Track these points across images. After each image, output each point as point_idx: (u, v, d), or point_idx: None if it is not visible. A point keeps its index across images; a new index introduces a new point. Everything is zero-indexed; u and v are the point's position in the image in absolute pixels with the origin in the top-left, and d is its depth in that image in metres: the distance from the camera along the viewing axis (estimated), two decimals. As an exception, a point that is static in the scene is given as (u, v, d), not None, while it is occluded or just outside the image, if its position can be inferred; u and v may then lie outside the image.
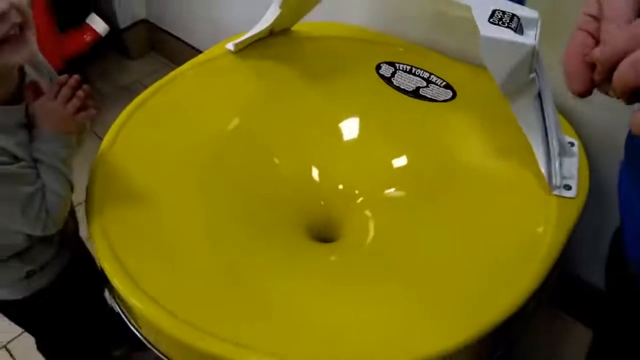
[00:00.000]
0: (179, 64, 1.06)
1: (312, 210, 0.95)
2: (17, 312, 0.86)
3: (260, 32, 1.04)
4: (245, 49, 1.06)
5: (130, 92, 1.78)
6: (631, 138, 0.55)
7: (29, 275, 0.78)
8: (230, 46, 1.05)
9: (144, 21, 1.93)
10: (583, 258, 1.08)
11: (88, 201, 0.79)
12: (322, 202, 0.96)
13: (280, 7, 0.95)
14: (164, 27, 1.88)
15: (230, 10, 1.56)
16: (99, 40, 1.60)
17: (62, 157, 0.69)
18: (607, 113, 0.93)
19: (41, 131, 0.68)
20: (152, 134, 0.92)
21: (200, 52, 1.72)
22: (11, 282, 0.78)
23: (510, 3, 0.77)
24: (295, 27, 1.11)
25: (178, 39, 1.85)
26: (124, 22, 1.87)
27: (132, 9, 1.89)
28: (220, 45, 1.08)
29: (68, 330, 0.92)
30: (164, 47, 1.92)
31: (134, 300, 0.69)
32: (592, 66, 0.37)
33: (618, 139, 0.91)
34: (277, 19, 1.01)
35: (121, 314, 0.77)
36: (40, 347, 1.02)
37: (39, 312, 0.85)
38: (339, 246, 0.90)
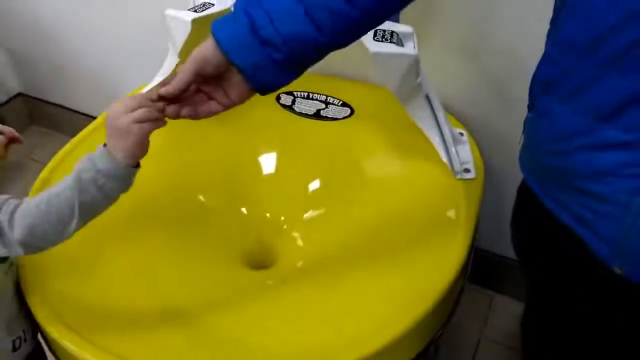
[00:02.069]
0: (64, 130, 1.05)
1: (244, 241, 0.98)
2: None
3: (158, 83, 1.07)
4: (147, 102, 1.08)
5: (22, 169, 1.71)
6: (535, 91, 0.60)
7: (15, 347, 0.75)
8: (131, 101, 1.07)
9: (20, 95, 1.86)
10: (488, 231, 1.21)
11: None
12: (252, 233, 1.00)
13: (179, 55, 0.99)
14: (43, 97, 1.82)
15: (114, 70, 1.56)
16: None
17: (115, 191, 0.66)
18: (484, 105, 1.08)
19: (110, 152, 0.65)
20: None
21: (85, 114, 1.71)
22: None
23: (388, 22, 0.89)
24: (191, 74, 1.15)
25: (59, 106, 1.80)
26: (-2, 99, 1.79)
27: (5, 84, 1.81)
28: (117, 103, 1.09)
29: None
30: (45, 117, 1.86)
31: (66, 342, 0.68)
32: None
33: (495, 122, 1.07)
34: (174, 69, 1.05)
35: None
36: None
37: None
38: (273, 271, 0.94)
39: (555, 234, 0.57)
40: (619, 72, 0.46)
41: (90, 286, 0.78)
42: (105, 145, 0.63)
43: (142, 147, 0.64)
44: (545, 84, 0.56)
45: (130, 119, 0.62)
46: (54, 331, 0.70)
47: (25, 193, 0.89)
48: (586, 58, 0.48)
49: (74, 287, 0.77)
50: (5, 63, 1.80)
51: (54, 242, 0.65)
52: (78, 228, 0.64)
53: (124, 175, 0.64)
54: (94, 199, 0.62)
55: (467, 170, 0.90)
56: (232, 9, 0.68)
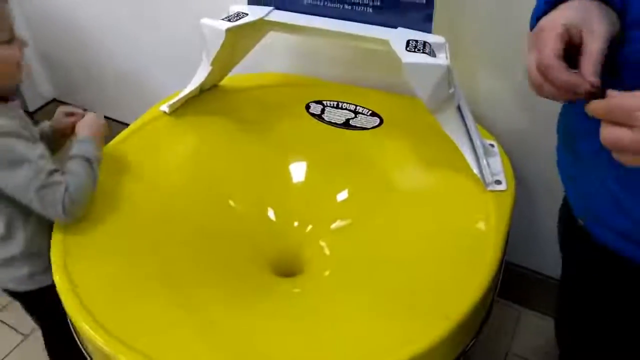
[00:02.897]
0: None
1: (272, 248, 0.99)
2: (24, 301, 1.01)
3: (192, 91, 1.09)
4: (179, 109, 1.10)
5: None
6: (564, 124, 0.67)
7: (31, 275, 0.92)
8: (164, 108, 1.09)
9: (54, 100, 1.90)
10: (517, 245, 1.19)
11: (54, 248, 0.82)
12: (280, 240, 1.00)
13: (212, 64, 1.01)
14: (76, 103, 1.86)
15: (147, 78, 1.59)
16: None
17: (96, 156, 0.88)
18: (515, 118, 1.07)
19: (82, 136, 0.90)
20: (108, 192, 0.93)
21: (117, 121, 1.74)
22: (16, 277, 0.93)
23: (420, 32, 0.89)
24: (222, 82, 1.17)
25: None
26: (33, 104, 1.84)
27: (39, 90, 1.86)
28: (153, 109, 1.11)
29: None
30: (79, 124, 1.90)
31: (98, 340, 0.69)
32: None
33: (526, 136, 1.06)
34: (207, 77, 1.07)
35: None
36: (47, 346, 1.13)
37: (44, 306, 0.94)
38: (300, 279, 0.94)
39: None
40: None
41: (119, 284, 0.79)
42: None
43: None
44: None
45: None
46: (84, 324, 0.72)
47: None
48: None
49: (104, 284, 0.79)
50: (41, 69, 1.85)
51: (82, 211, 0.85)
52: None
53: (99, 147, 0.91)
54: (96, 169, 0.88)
55: (498, 182, 0.89)
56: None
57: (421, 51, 0.85)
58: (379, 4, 0.91)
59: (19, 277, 0.93)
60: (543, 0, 0.54)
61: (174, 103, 1.09)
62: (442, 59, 0.85)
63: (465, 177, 0.91)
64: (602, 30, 0.48)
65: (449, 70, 0.83)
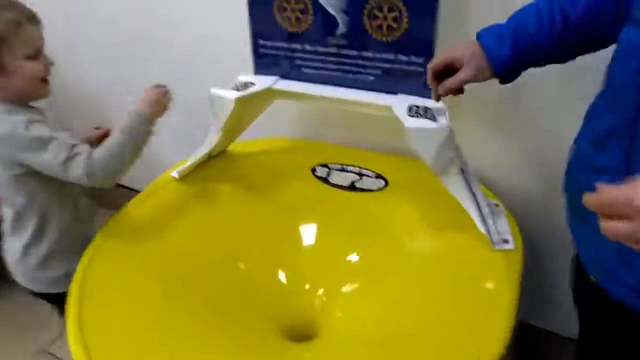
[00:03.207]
0: (104, 203, 1.09)
1: (283, 311, 0.98)
2: (60, 304, 0.95)
3: (201, 157, 1.12)
4: (189, 174, 1.13)
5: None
6: (569, 186, 0.70)
7: (67, 274, 0.93)
8: (174, 174, 1.11)
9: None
10: (528, 304, 1.18)
11: (70, 300, 0.83)
12: (292, 303, 1.00)
13: (221, 130, 1.04)
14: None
15: (156, 145, 1.63)
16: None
17: (142, 130, 0.94)
18: (519, 178, 1.08)
19: (136, 109, 0.95)
20: (119, 257, 0.95)
21: (130, 189, 1.77)
22: (53, 277, 1.00)
23: (421, 98, 0.92)
24: (230, 148, 1.21)
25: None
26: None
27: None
28: (164, 175, 1.13)
29: None
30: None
31: None
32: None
33: (531, 195, 1.07)
34: (216, 144, 1.10)
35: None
36: None
37: None
38: (312, 344, 0.93)
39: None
40: None
41: (129, 345, 0.79)
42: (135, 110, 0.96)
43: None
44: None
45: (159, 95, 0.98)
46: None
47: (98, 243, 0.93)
48: None
49: (116, 345, 0.79)
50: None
51: (117, 176, 0.94)
52: (131, 162, 0.95)
53: (152, 121, 0.96)
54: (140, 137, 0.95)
55: (505, 241, 0.90)
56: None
57: (423, 116, 0.88)
58: (380, 72, 0.95)
59: (56, 277, 1.00)
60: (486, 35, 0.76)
61: (183, 169, 1.11)
62: (443, 123, 0.87)
63: (473, 237, 0.91)
64: (463, 76, 0.77)
65: (450, 133, 0.86)
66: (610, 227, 0.45)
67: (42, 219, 0.97)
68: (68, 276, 0.92)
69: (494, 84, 1.01)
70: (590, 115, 0.67)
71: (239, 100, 0.99)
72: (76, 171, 0.88)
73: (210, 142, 1.10)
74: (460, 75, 0.77)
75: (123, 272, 0.92)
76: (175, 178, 1.12)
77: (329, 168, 1.15)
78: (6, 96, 0.90)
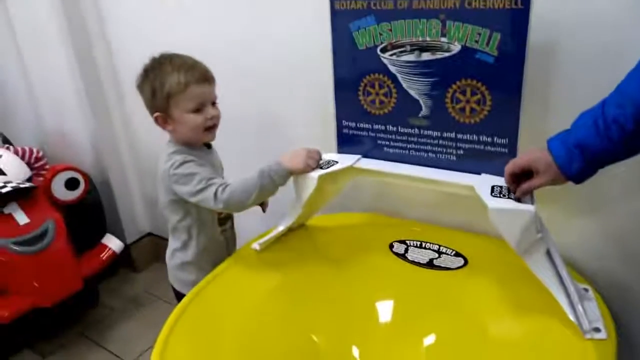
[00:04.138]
0: None
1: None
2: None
3: (282, 230, 1.16)
4: (269, 246, 1.16)
5: (138, 304, 1.83)
6: None
7: (194, 282, 1.11)
8: (255, 246, 1.16)
9: (149, 234, 2.06)
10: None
11: None
12: (365, 382, 0.98)
13: (302, 207, 1.08)
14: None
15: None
16: (115, 257, 1.69)
17: (274, 176, 1.03)
18: (609, 262, 1.04)
19: (277, 159, 1.06)
20: (199, 330, 0.97)
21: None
22: (184, 280, 1.19)
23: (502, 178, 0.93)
24: (310, 222, 1.24)
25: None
26: (130, 237, 1.99)
27: (138, 225, 2.03)
28: (245, 246, 1.18)
29: None
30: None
31: None
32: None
33: (623, 280, 1.02)
34: (296, 218, 1.14)
35: None
36: None
37: None
38: None
39: None
40: None
41: None
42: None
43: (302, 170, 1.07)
44: None
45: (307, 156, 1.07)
46: None
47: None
48: None
49: None
50: (140, 206, 2.03)
51: (242, 206, 1.06)
52: (256, 200, 1.05)
53: (286, 176, 1.05)
54: (268, 185, 1.04)
55: (597, 330, 0.85)
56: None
57: (506, 196, 0.88)
58: (462, 152, 0.97)
59: (186, 280, 1.18)
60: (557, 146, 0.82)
61: (264, 242, 1.15)
62: (528, 204, 0.87)
63: (561, 324, 0.87)
64: (538, 182, 0.85)
65: (535, 214, 0.85)
66: None
67: (188, 235, 1.17)
68: (194, 283, 1.09)
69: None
70: None
71: (321, 178, 1.03)
72: (206, 195, 1.03)
73: (291, 216, 1.14)
74: (536, 182, 0.85)
75: (200, 338, 0.94)
76: (256, 250, 1.16)
77: (407, 244, 1.15)
78: (177, 138, 1.11)
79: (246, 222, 1.67)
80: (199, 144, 1.14)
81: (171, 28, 1.54)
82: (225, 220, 1.26)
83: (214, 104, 1.12)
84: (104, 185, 1.89)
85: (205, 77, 1.08)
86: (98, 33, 1.75)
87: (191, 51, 1.11)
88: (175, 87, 1.05)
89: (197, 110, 1.07)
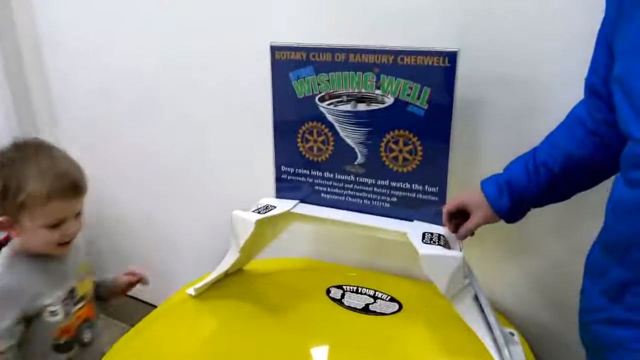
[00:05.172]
0: (121, 317, 1.11)
1: None
2: None
3: (218, 275, 1.15)
4: (205, 292, 1.14)
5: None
6: (591, 336, 0.69)
7: None
8: (190, 291, 1.13)
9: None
10: None
11: None
12: None
13: (239, 252, 1.08)
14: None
15: (173, 261, 1.67)
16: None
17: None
18: (534, 307, 1.08)
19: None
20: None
21: (145, 303, 1.77)
22: None
23: (434, 225, 0.96)
24: (247, 266, 1.23)
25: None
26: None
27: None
28: (180, 292, 1.15)
29: None
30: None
31: None
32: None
33: (547, 325, 1.07)
34: (233, 263, 1.13)
35: None
36: None
37: None
38: None
39: None
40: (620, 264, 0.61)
41: None
42: None
43: None
44: (586, 268, 0.71)
45: None
46: None
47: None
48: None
49: None
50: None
51: None
52: None
53: None
54: None
55: (522, 374, 0.89)
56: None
57: (436, 243, 0.91)
58: (395, 200, 1.01)
59: None
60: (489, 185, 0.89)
61: (200, 287, 1.13)
62: (456, 251, 0.91)
63: (488, 368, 0.90)
64: (476, 221, 0.90)
65: (463, 260, 0.88)
66: None
67: None
68: None
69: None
70: (594, 268, 0.69)
71: (259, 222, 1.04)
72: None
73: (228, 261, 1.13)
74: (470, 224, 0.91)
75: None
76: (191, 295, 1.13)
77: (344, 290, 1.16)
78: (20, 244, 0.93)
79: (181, 265, 1.64)
80: (47, 256, 0.96)
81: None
82: (67, 346, 0.98)
83: (78, 214, 0.95)
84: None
85: (75, 190, 0.92)
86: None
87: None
88: (34, 198, 0.86)
89: (55, 225, 0.91)
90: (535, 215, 0.90)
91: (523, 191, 0.85)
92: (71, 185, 0.90)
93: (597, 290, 0.65)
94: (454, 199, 0.94)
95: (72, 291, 0.98)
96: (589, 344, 0.70)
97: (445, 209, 0.94)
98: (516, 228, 1.04)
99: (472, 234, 0.94)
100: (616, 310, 0.61)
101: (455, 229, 0.94)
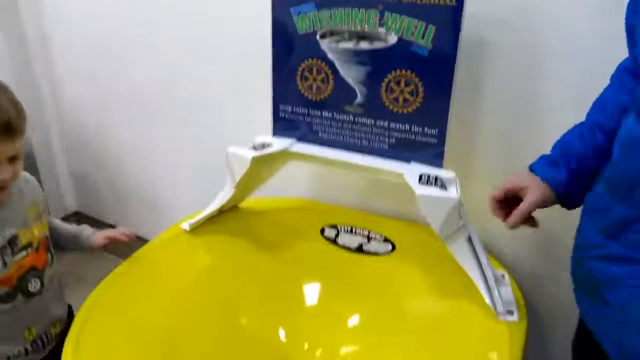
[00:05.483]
0: (115, 251, 1.11)
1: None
2: None
3: (213, 211, 1.15)
4: (199, 227, 1.15)
5: (69, 287, 1.75)
6: (584, 272, 0.70)
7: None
8: (185, 226, 1.14)
9: (76, 213, 1.98)
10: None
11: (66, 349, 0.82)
12: (290, 362, 1.00)
13: (234, 188, 1.08)
14: (98, 218, 1.93)
15: (168, 196, 1.67)
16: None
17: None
18: (525, 251, 1.10)
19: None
20: (123, 308, 0.95)
21: (139, 237, 1.79)
22: None
23: (432, 167, 0.96)
24: (242, 204, 1.24)
25: (113, 227, 1.89)
26: (56, 215, 1.90)
27: (65, 203, 1.94)
28: (175, 226, 1.16)
29: None
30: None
31: None
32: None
33: (537, 268, 1.09)
34: (228, 199, 1.13)
35: None
36: None
37: None
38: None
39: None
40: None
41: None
42: None
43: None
44: (585, 207, 0.71)
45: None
46: None
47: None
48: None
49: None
50: (67, 182, 1.95)
51: None
52: None
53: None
54: None
55: (510, 312, 0.91)
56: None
57: (433, 184, 0.92)
58: (393, 141, 1.00)
59: None
60: (538, 164, 0.83)
61: (194, 222, 1.14)
62: (452, 192, 0.91)
63: (477, 307, 0.93)
64: (534, 199, 0.80)
65: (459, 202, 0.89)
66: None
67: None
68: None
69: (503, 154, 1.06)
70: (595, 207, 0.69)
71: (255, 160, 1.03)
72: None
73: (223, 197, 1.13)
74: (524, 205, 0.80)
75: (123, 322, 0.92)
76: (185, 230, 1.14)
77: (338, 229, 1.17)
78: None
79: (177, 201, 1.65)
80: None
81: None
82: (9, 296, 0.91)
83: (13, 159, 0.87)
84: (26, 159, 1.79)
85: (7, 131, 0.83)
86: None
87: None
88: None
89: None
90: (529, 160, 0.90)
91: (579, 157, 0.78)
92: (3, 125, 0.82)
93: (596, 228, 0.65)
94: (502, 184, 0.84)
95: (13, 240, 0.91)
96: (581, 280, 0.71)
97: (492, 196, 0.85)
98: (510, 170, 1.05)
99: (533, 222, 0.85)
100: (613, 247, 0.62)
101: (506, 218, 0.85)
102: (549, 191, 0.80)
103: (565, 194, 0.80)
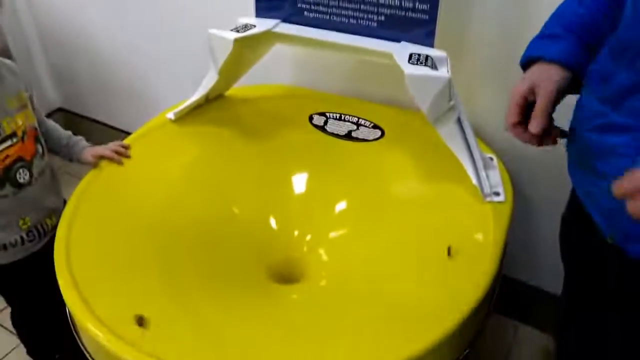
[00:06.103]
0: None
1: (272, 256, 1.01)
2: None
3: (198, 99, 1.11)
4: (185, 117, 1.12)
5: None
6: (577, 145, 0.68)
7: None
8: (170, 115, 1.11)
9: (60, 109, 1.93)
10: (515, 259, 1.20)
11: (56, 250, 0.82)
12: (280, 248, 1.02)
13: (218, 73, 1.04)
14: (82, 113, 1.89)
15: (152, 87, 1.62)
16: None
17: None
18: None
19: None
20: (112, 197, 0.95)
21: (121, 130, 1.76)
22: None
23: (423, 47, 0.92)
24: (228, 92, 1.20)
25: (97, 121, 1.87)
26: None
27: (46, 99, 1.89)
28: (159, 116, 1.13)
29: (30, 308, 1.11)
30: (83, 132, 1.91)
31: (89, 325, 0.71)
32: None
33: (525, 151, 1.08)
34: (213, 86, 1.09)
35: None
36: (13, 321, 1.18)
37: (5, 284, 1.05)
38: (299, 286, 0.95)
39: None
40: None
41: (118, 284, 0.80)
42: None
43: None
44: (585, 81, 0.66)
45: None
46: (84, 321, 0.72)
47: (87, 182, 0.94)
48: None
49: (104, 283, 0.79)
50: (48, 78, 1.88)
51: None
52: None
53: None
54: None
55: (496, 194, 0.91)
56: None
57: (423, 64, 0.87)
58: (383, 18, 0.94)
59: None
60: (532, 47, 0.72)
61: (179, 111, 1.11)
62: (443, 71, 0.87)
63: (465, 189, 0.92)
64: (548, 88, 0.67)
65: (449, 82, 0.86)
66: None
67: None
68: None
69: (495, 36, 1.01)
70: (597, 74, 0.64)
71: (238, 41, 0.98)
72: None
73: (207, 83, 1.09)
74: (545, 89, 0.67)
75: (113, 214, 0.92)
76: (170, 120, 1.11)
77: (327, 117, 1.15)
78: None
79: (160, 92, 1.60)
80: None
81: None
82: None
83: None
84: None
85: None
86: None
87: None
88: None
89: None
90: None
91: (580, 24, 0.68)
92: None
93: (596, 99, 0.62)
94: (512, 95, 0.71)
95: None
96: (576, 155, 0.69)
97: (512, 104, 0.71)
98: (506, 56, 1.00)
99: (558, 131, 0.71)
100: (613, 116, 0.59)
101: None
102: (560, 72, 0.67)
103: (578, 66, 0.67)
